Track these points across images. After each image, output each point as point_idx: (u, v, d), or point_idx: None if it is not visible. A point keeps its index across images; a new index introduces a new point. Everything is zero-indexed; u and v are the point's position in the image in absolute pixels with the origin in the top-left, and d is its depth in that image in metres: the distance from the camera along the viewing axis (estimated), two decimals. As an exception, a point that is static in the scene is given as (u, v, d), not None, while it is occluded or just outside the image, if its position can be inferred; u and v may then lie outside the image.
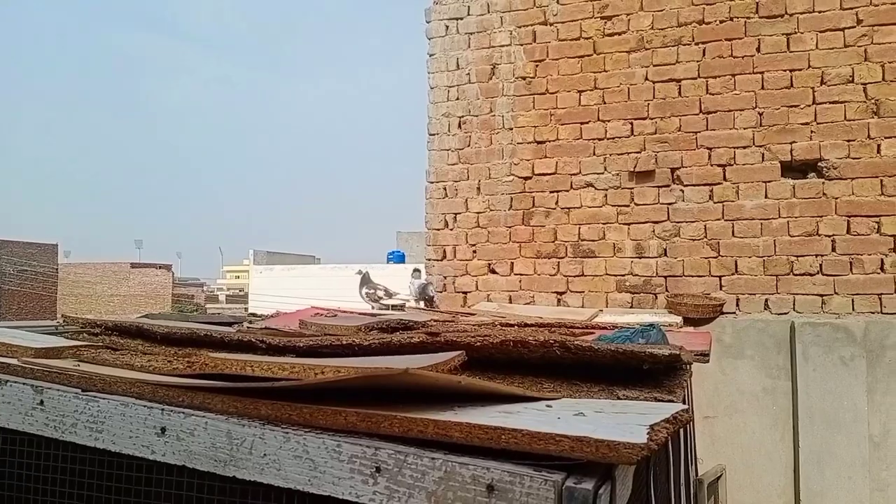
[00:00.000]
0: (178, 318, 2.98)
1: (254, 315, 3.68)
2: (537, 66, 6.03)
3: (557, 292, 5.88)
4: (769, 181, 5.41)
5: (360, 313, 3.79)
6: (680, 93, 5.65)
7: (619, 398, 1.67)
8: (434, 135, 6.29)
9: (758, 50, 5.48)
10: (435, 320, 2.54)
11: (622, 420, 1.25)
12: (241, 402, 1.29)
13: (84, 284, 39.56)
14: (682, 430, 2.67)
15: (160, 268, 41.28)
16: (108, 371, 1.54)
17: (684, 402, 1.80)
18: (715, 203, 5.52)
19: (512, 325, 2.62)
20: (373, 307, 5.00)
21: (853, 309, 5.18)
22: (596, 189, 5.81)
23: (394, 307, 4.79)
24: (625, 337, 2.62)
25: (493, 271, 6.08)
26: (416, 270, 6.10)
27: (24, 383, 1.48)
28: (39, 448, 1.39)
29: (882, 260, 5.13)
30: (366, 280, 5.29)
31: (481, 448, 1.10)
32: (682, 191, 5.61)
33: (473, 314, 5.00)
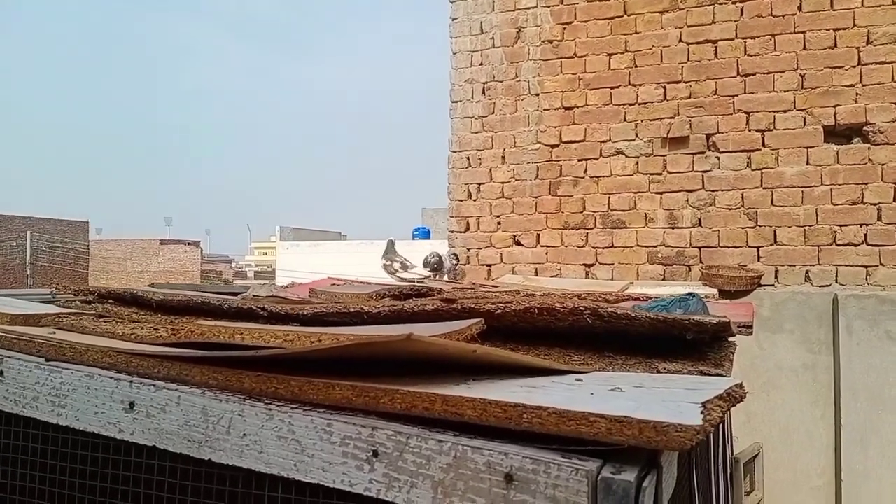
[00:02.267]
0: (185, 287, 2.84)
1: (275, 286, 3.53)
2: (565, 28, 5.76)
3: (586, 265, 5.66)
4: (811, 147, 5.12)
5: (377, 284, 3.62)
6: (716, 55, 5.35)
7: (658, 372, 1.47)
8: (457, 102, 6.06)
9: (799, 8, 5.16)
10: (454, 288, 2.36)
11: (667, 396, 1.06)
12: (223, 373, 1.12)
13: (114, 261, 40.07)
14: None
15: (189, 244, 41.66)
16: (83, 339, 1.38)
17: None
18: (753, 170, 5.24)
19: (536, 295, 2.44)
20: (393, 278, 4.80)
21: (900, 281, 4.90)
22: (626, 156, 5.56)
23: (412, 280, 4.59)
24: (661, 307, 2.41)
25: (519, 243, 5.87)
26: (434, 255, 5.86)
27: (-14, 352, 1.32)
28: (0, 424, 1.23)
29: (932, 229, 4.83)
30: (388, 250, 5.08)
31: (499, 429, 0.91)
32: (718, 157, 5.33)
33: (496, 286, 4.81)
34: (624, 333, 1.65)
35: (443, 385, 1.05)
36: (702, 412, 0.92)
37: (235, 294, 2.82)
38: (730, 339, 1.92)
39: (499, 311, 1.61)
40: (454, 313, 1.67)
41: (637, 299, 3.05)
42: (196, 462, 1.05)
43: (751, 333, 2.42)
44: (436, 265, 5.23)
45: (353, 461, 0.95)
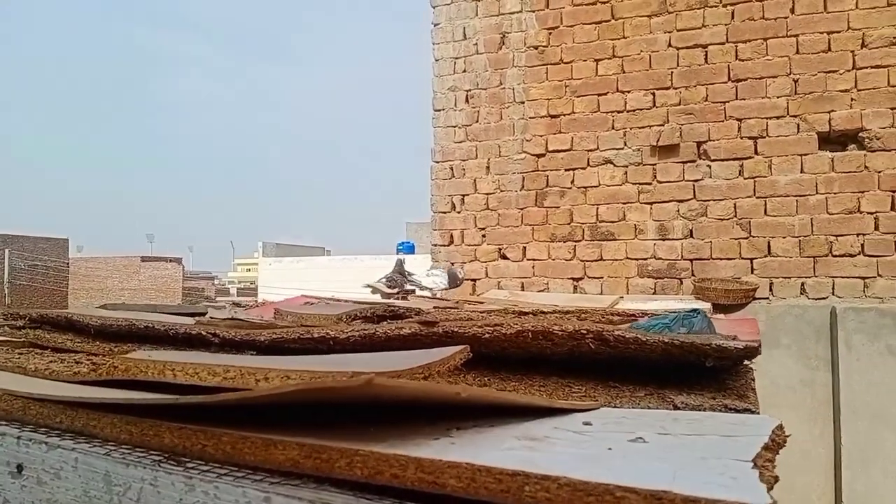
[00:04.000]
0: (140, 308, 2.59)
1: (236, 305, 3.27)
2: (550, 33, 5.57)
3: (574, 278, 5.44)
4: (805, 154, 4.95)
5: (354, 302, 3.37)
6: (706, 59, 5.18)
7: (676, 406, 1.25)
8: (439, 110, 5.85)
9: (792, 11, 5.01)
10: (436, 307, 2.13)
11: (705, 450, 0.83)
12: (140, 424, 0.88)
13: (95, 278, 39.44)
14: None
15: (171, 261, 41.11)
16: (-19, 378, 1.13)
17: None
18: (745, 179, 5.07)
19: (527, 313, 2.21)
20: (392, 295, 4.53)
21: (899, 293, 4.73)
22: (615, 166, 5.36)
23: (405, 297, 4.33)
24: (662, 325, 2.20)
25: (504, 256, 5.64)
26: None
27: None
28: None
29: (932, 238, 4.67)
30: (397, 268, 4.82)
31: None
32: (710, 166, 5.15)
33: (482, 302, 4.57)
34: (629, 360, 1.42)
35: (417, 439, 0.81)
36: (759, 475, 0.70)
37: (196, 315, 2.57)
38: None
39: (486, 336, 1.38)
40: (435, 338, 1.43)
41: (632, 315, 2.82)
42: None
43: (759, 353, 2.21)
44: (460, 278, 4.95)
45: (296, 549, 0.71)
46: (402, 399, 0.88)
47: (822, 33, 4.93)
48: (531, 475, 0.67)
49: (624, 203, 5.33)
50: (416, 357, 1.13)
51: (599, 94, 5.41)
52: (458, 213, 5.74)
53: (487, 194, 5.68)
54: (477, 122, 5.73)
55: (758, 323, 2.84)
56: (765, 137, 5.03)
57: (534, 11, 5.61)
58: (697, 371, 1.47)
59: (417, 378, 1.01)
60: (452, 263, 5.57)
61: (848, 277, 4.83)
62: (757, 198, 5.03)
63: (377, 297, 4.40)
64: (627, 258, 5.31)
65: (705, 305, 4.90)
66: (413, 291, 4.84)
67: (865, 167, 4.82)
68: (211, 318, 2.12)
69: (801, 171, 4.94)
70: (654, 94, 5.28)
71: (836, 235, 4.85)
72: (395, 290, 4.51)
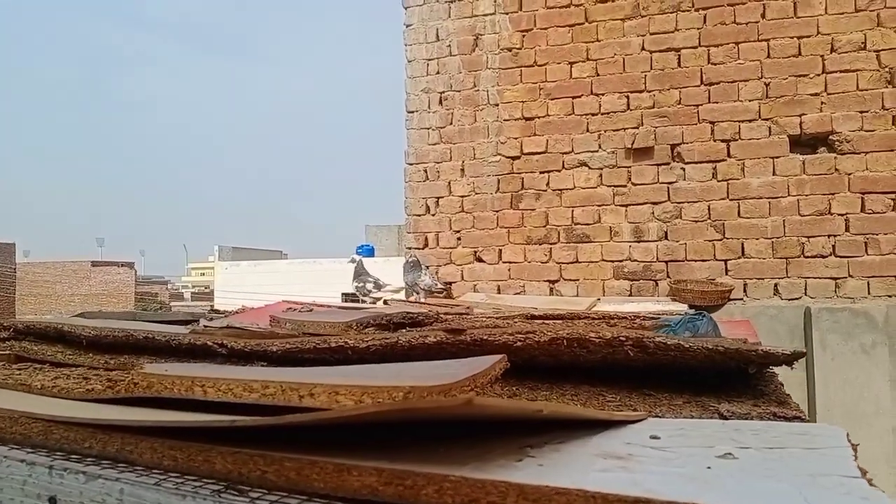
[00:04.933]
0: (121, 316, 2.47)
1: (215, 311, 3.15)
2: (524, 36, 5.55)
3: (550, 280, 5.42)
4: (777, 157, 5.01)
5: (339, 307, 3.29)
6: (679, 63, 5.21)
7: (722, 416, 1.20)
8: (413, 112, 5.78)
9: (763, 16, 5.07)
10: (447, 313, 2.07)
11: (800, 465, 0.78)
12: (186, 449, 0.79)
13: (43, 284, 38.25)
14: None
15: (122, 266, 40.13)
16: (-14, 397, 1.03)
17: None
18: (719, 181, 5.11)
19: (538, 318, 2.16)
20: (363, 301, 4.43)
21: (869, 292, 4.81)
22: (590, 168, 5.36)
23: (385, 302, 4.23)
24: (667, 329, 2.17)
25: (480, 259, 5.60)
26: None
27: None
28: None
29: (902, 239, 4.76)
30: (359, 271, 4.71)
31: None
32: (684, 169, 5.18)
33: (459, 305, 4.51)
34: (667, 367, 1.38)
35: (499, 460, 0.75)
36: (882, 492, 0.65)
37: (181, 322, 2.46)
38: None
39: (518, 344, 1.31)
40: (462, 347, 1.37)
41: (622, 318, 2.79)
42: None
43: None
44: (427, 284, 4.85)
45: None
46: (477, 416, 0.81)
47: (792, 38, 5.00)
48: (654, 502, 0.61)
49: (599, 205, 5.33)
50: (459, 368, 1.07)
51: (574, 97, 5.41)
52: (433, 215, 5.68)
53: (462, 197, 5.63)
54: (451, 124, 5.67)
55: (752, 325, 2.83)
56: (737, 140, 5.08)
57: (507, 14, 5.58)
58: (729, 378, 1.44)
59: (465, 392, 0.95)
60: (427, 266, 5.49)
61: (820, 278, 4.89)
62: (730, 200, 5.07)
63: (367, 302, 4.32)
64: (603, 260, 5.31)
65: (681, 307, 4.93)
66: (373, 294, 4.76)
67: (836, 169, 4.89)
68: (206, 326, 2.02)
69: (773, 174, 5.00)
70: (628, 97, 5.29)
71: (808, 237, 4.92)
72: (378, 295, 4.43)
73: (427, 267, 5.17)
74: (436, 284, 4.88)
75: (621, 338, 1.27)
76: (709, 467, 0.75)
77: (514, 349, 1.32)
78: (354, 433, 0.82)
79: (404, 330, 1.57)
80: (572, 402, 1.35)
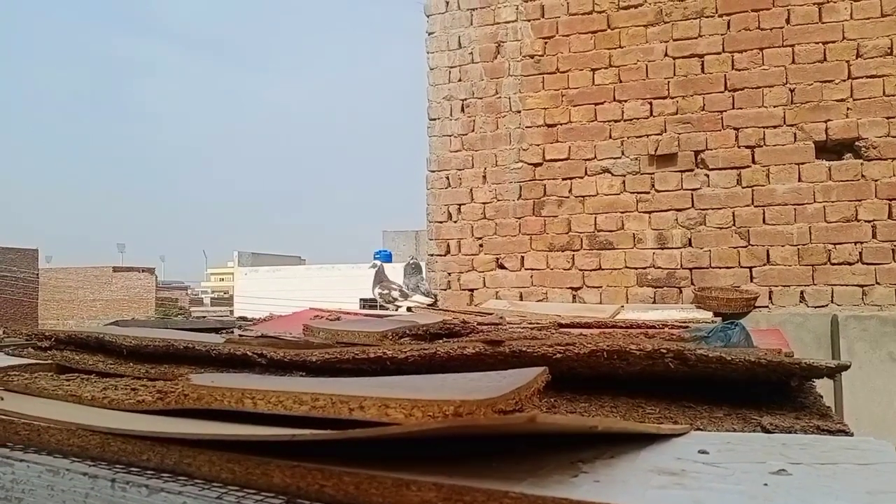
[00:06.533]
0: (153, 324, 2.50)
1: (243, 319, 3.18)
2: (546, 43, 5.55)
3: (572, 288, 5.41)
4: (802, 163, 4.97)
5: (366, 315, 3.30)
6: (703, 69, 5.19)
7: (765, 429, 1.20)
8: (435, 119, 5.80)
9: (787, 21, 5.04)
10: (479, 324, 2.07)
11: (855, 482, 0.78)
12: (244, 462, 0.81)
13: (65, 289, 38.80)
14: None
15: (143, 271, 40.54)
16: (40, 408, 1.05)
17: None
18: (743, 188, 5.08)
19: (566, 326, 2.16)
20: (387, 309, 4.44)
21: (896, 300, 4.76)
22: (613, 175, 5.35)
23: (409, 309, 4.24)
24: (700, 337, 2.16)
25: (502, 266, 5.60)
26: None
27: None
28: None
29: (930, 246, 4.71)
30: (379, 277, 4.71)
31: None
32: (708, 175, 5.16)
33: (484, 313, 4.51)
34: (700, 378, 1.38)
35: (554, 475, 0.75)
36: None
37: (212, 330, 2.48)
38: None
39: (558, 356, 1.32)
40: (501, 358, 1.38)
41: (651, 327, 2.78)
42: None
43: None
44: (424, 290, 4.84)
45: None
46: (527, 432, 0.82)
47: (817, 43, 4.96)
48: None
49: (622, 212, 5.31)
50: (493, 380, 1.07)
51: (596, 104, 5.40)
52: (455, 222, 5.69)
53: (484, 203, 5.64)
54: (473, 131, 5.69)
55: (783, 334, 2.81)
56: (762, 146, 5.05)
57: (529, 21, 5.59)
58: (766, 390, 1.43)
59: (510, 405, 0.96)
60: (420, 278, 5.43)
61: (846, 285, 4.85)
62: (755, 206, 5.04)
63: (391, 308, 4.33)
64: (626, 267, 5.29)
65: (707, 314, 4.90)
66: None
67: (862, 176, 4.85)
68: (241, 335, 2.04)
69: (799, 180, 4.96)
70: (651, 103, 5.28)
71: (835, 244, 4.87)
72: (403, 303, 4.43)
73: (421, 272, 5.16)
74: (430, 292, 4.88)
75: (662, 350, 1.27)
76: (766, 484, 0.75)
77: (552, 361, 1.33)
78: (398, 444, 0.83)
79: (441, 340, 1.58)
80: (612, 414, 1.35)
